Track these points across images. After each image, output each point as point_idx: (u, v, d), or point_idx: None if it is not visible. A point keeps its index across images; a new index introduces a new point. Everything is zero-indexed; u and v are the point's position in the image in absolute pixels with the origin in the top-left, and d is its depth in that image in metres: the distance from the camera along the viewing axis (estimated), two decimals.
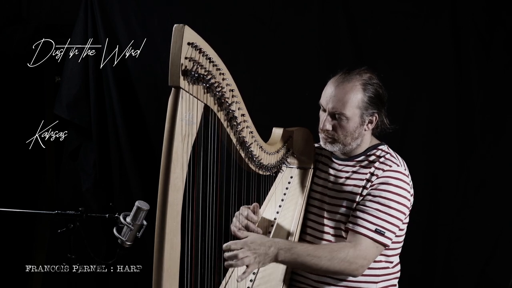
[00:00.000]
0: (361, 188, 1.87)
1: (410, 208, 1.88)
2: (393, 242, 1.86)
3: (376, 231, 1.79)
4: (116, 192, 3.18)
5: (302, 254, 1.73)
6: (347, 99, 1.85)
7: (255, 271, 1.87)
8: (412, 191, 1.88)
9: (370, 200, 1.83)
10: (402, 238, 1.93)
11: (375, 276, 1.89)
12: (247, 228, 1.90)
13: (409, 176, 1.88)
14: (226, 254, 1.66)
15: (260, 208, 2.02)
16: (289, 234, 1.92)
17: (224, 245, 1.68)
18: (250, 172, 1.89)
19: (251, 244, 1.68)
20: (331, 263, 1.74)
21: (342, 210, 1.89)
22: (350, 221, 1.84)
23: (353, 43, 2.96)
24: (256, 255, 1.68)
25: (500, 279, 2.77)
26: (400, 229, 1.86)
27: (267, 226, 1.98)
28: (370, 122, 1.91)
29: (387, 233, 1.80)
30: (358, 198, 1.86)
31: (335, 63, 2.89)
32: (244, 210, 1.96)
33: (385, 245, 1.81)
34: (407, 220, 1.91)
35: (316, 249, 1.76)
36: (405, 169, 1.88)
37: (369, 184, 1.86)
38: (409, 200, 1.85)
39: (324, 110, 1.91)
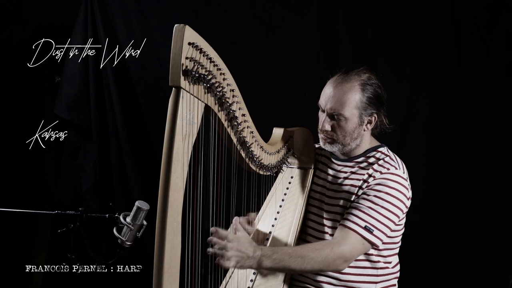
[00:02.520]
0: (357, 188, 1.87)
1: (406, 211, 1.88)
2: (390, 243, 1.87)
3: (365, 228, 1.78)
4: (116, 192, 3.19)
5: (284, 258, 1.71)
6: (345, 100, 1.85)
7: (255, 271, 1.87)
8: (409, 194, 1.88)
9: (364, 198, 1.82)
10: (399, 239, 1.93)
11: (375, 276, 1.89)
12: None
13: (408, 180, 1.87)
14: (215, 240, 1.64)
15: (259, 210, 2.02)
16: (289, 234, 1.92)
17: (222, 232, 1.67)
18: (251, 172, 1.89)
19: (239, 243, 1.66)
20: (315, 262, 1.73)
21: (339, 209, 1.89)
22: (343, 218, 1.84)
23: (353, 43, 2.96)
24: (239, 253, 1.65)
25: (500, 279, 2.77)
26: (394, 231, 1.86)
27: (267, 226, 1.98)
28: (369, 122, 1.91)
29: (376, 232, 1.79)
30: (353, 198, 1.86)
31: (335, 63, 2.89)
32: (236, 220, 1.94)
33: (372, 244, 1.80)
34: (402, 221, 1.90)
35: (297, 250, 1.75)
36: (403, 172, 1.88)
37: (366, 184, 1.86)
38: (404, 203, 1.84)
39: (323, 111, 1.91)
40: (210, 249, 1.64)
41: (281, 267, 1.73)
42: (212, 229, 1.65)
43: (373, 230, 1.78)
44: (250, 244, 1.69)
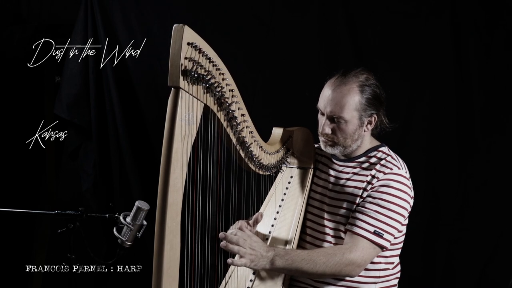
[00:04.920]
0: (361, 190, 1.87)
1: (410, 211, 1.88)
2: (392, 244, 1.87)
3: (374, 233, 1.79)
4: (116, 192, 3.19)
5: (296, 259, 1.73)
6: (345, 102, 1.85)
7: (255, 271, 1.87)
8: (412, 194, 1.88)
9: (370, 202, 1.83)
10: (401, 239, 1.93)
11: (375, 277, 1.89)
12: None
13: (410, 179, 1.88)
14: (230, 236, 1.66)
15: (259, 210, 2.02)
16: (289, 234, 1.92)
17: (234, 230, 1.69)
18: (250, 172, 1.89)
19: (254, 243, 1.69)
20: (326, 266, 1.75)
21: (342, 211, 1.89)
22: (349, 222, 1.85)
23: (353, 43, 2.95)
24: (253, 252, 1.68)
25: (501, 279, 2.77)
26: (399, 231, 1.87)
27: (267, 226, 1.98)
28: (369, 123, 1.91)
29: (386, 235, 1.80)
30: (358, 200, 1.86)
31: (335, 63, 2.89)
32: (239, 223, 1.94)
33: (382, 247, 1.81)
34: (406, 222, 1.91)
35: (311, 254, 1.77)
36: (406, 172, 1.88)
37: (370, 186, 1.85)
38: (409, 203, 1.85)
39: (323, 114, 1.91)
40: (223, 243, 1.65)
41: (293, 268, 1.74)
42: (220, 234, 1.66)
43: (382, 234, 1.79)
44: (263, 243, 1.72)
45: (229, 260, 1.68)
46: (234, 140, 1.72)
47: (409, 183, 1.87)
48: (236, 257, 1.72)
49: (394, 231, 1.82)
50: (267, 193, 2.07)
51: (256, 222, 1.96)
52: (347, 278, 1.86)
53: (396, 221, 1.82)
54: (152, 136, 3.12)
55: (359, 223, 1.81)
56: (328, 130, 1.89)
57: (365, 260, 1.80)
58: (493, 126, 2.84)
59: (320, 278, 1.85)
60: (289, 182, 2.06)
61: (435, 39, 2.88)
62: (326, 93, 1.89)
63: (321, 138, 1.95)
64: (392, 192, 1.82)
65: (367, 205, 1.83)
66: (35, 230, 3.29)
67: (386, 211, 1.80)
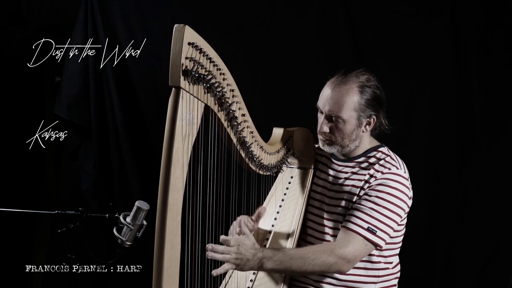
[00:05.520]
0: (359, 189, 1.87)
1: (408, 211, 1.88)
2: (391, 243, 1.87)
3: (368, 229, 1.78)
4: (116, 192, 3.19)
5: (284, 260, 1.71)
6: (343, 102, 1.85)
7: (255, 271, 1.87)
8: (411, 194, 1.88)
9: (366, 200, 1.82)
10: (400, 239, 1.93)
11: (375, 277, 1.89)
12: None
13: (409, 179, 1.87)
14: (216, 247, 1.64)
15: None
16: (289, 234, 1.92)
17: (222, 238, 1.67)
18: (251, 172, 1.89)
19: (240, 247, 1.67)
20: (315, 263, 1.73)
21: (340, 210, 1.89)
22: (345, 219, 1.84)
23: (353, 43, 2.96)
24: (239, 256, 1.66)
25: (501, 279, 2.77)
26: (396, 231, 1.86)
27: (267, 226, 1.98)
28: (368, 124, 1.90)
29: (379, 233, 1.79)
30: (355, 199, 1.86)
31: (335, 63, 2.89)
32: (241, 218, 1.94)
33: (376, 245, 1.80)
34: (404, 221, 1.90)
35: (299, 252, 1.76)
36: (404, 172, 1.88)
37: (367, 185, 1.85)
38: (406, 203, 1.84)
39: (322, 112, 1.91)
40: (208, 248, 1.63)
41: (283, 268, 1.73)
42: (208, 246, 1.63)
43: (376, 231, 1.78)
44: (252, 247, 1.69)
45: (213, 272, 1.64)
46: (234, 140, 1.72)
47: (408, 183, 1.86)
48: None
49: (389, 230, 1.81)
50: (268, 193, 2.07)
51: (259, 216, 1.96)
52: (347, 278, 1.86)
53: (392, 220, 1.81)
54: (152, 136, 3.12)
55: (353, 219, 1.81)
56: (326, 129, 1.89)
57: (356, 256, 1.79)
58: (493, 126, 2.85)
59: (310, 275, 1.85)
60: (289, 182, 2.07)
61: (435, 39, 2.88)
62: (326, 92, 1.89)
63: (319, 137, 1.95)
64: (389, 191, 1.82)
65: (363, 202, 1.82)
66: (35, 230, 3.29)
67: (381, 209, 1.80)
